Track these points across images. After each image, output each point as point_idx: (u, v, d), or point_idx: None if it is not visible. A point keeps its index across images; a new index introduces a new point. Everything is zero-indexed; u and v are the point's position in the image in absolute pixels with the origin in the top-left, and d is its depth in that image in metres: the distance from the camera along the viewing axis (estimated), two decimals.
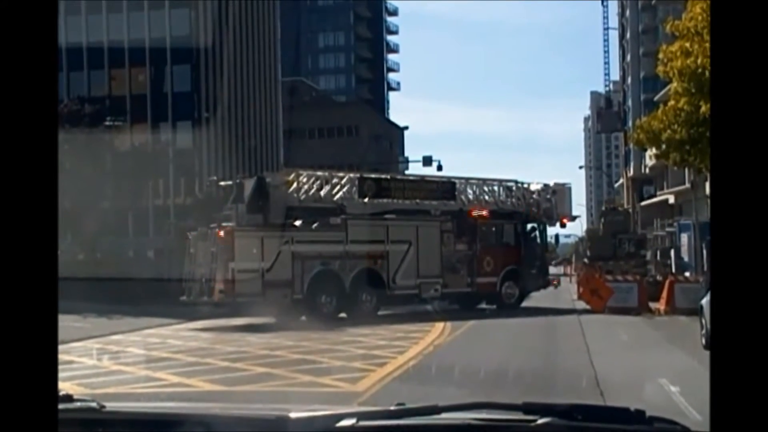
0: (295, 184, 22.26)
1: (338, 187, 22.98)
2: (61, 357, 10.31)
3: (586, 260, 35.01)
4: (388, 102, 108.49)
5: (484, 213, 25.04)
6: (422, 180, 26.47)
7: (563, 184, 28.30)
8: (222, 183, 24.67)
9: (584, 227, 68.53)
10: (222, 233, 20.34)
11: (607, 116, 76.16)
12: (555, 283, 27.92)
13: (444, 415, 2.27)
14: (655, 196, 58.44)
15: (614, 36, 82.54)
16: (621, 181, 79.51)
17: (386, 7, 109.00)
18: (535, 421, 2.17)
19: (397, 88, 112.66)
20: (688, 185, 36.24)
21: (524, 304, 25.09)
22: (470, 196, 25.53)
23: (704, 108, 17.40)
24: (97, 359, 13.77)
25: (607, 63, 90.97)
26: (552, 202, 26.90)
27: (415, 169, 67.13)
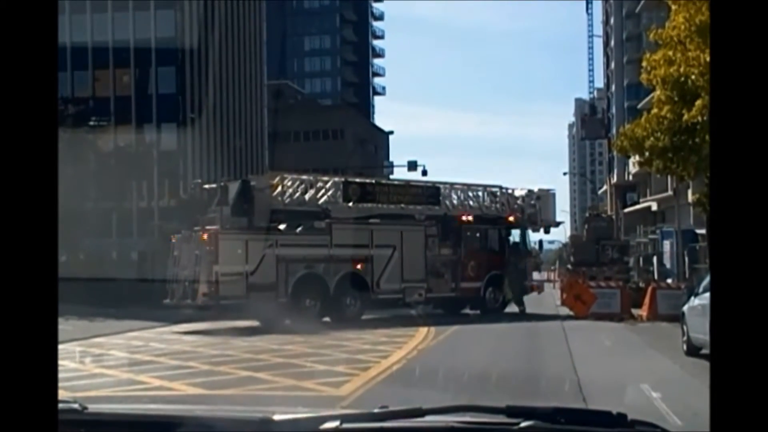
0: (279, 188, 22.22)
1: (323, 190, 22.97)
2: None
3: (569, 266, 35.09)
4: (373, 106, 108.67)
5: (469, 218, 25.12)
6: (407, 185, 26.52)
7: (547, 190, 28.42)
8: (206, 185, 24.60)
9: (568, 233, 68.75)
10: (206, 236, 20.27)
11: (591, 123, 76.66)
12: (535, 288, 27.76)
13: (427, 418, 2.28)
14: (638, 202, 58.84)
15: (599, 43, 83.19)
16: (604, 187, 79.91)
17: (372, 12, 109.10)
18: (518, 424, 2.18)
19: (382, 93, 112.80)
20: (670, 192, 36.48)
21: (507, 309, 25.15)
22: (455, 201, 25.61)
23: (686, 116, 17.54)
24: (79, 362, 13.66)
25: (591, 70, 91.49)
26: (536, 208, 27.01)
27: (400, 173, 67.48)
